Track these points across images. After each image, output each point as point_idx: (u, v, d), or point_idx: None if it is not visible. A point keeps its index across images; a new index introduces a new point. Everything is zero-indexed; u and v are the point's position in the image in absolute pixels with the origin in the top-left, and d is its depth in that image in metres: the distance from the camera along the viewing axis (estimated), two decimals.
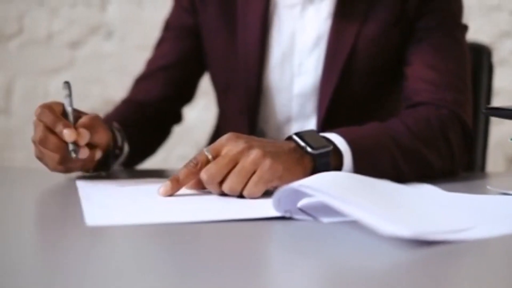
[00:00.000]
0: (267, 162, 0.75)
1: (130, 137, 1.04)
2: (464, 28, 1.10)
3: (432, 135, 0.97)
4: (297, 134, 0.82)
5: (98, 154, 0.89)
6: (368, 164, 0.87)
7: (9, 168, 1.54)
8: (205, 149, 0.77)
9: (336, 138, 0.86)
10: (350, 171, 0.86)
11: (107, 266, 0.52)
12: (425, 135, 0.96)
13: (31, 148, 0.90)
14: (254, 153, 0.75)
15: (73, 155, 0.84)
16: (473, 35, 1.40)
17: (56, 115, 0.84)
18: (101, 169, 0.95)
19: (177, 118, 1.23)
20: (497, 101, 1.67)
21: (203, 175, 0.75)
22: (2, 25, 2.00)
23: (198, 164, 0.76)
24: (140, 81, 1.18)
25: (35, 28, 2.00)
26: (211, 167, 0.75)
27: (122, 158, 1.02)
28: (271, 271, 0.53)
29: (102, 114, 2.09)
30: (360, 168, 0.86)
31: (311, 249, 0.57)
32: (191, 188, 0.78)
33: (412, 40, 1.07)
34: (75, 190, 0.82)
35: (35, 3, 1.99)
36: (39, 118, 0.84)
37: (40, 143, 0.85)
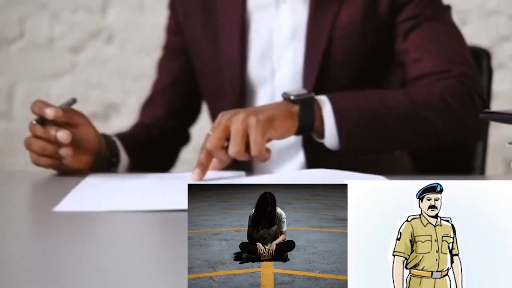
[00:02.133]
0: (253, 119, 0.87)
1: (134, 151, 1.12)
2: (448, 8, 1.13)
3: (431, 97, 1.01)
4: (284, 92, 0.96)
5: (87, 158, 0.98)
6: (350, 118, 0.95)
7: (10, 172, 1.54)
8: (208, 131, 0.89)
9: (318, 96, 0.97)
10: (332, 125, 0.95)
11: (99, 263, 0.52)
12: (422, 96, 1.00)
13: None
14: (241, 116, 0.88)
15: (34, 122, 0.93)
16: (472, 39, 1.41)
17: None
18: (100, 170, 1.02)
19: (184, 138, 1.28)
20: (495, 105, 1.67)
21: (208, 145, 0.88)
22: (4, 29, 2.00)
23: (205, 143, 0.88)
24: (145, 106, 1.26)
25: (36, 32, 2.00)
26: (211, 137, 0.88)
27: (123, 166, 1.09)
28: None
29: (103, 117, 2.09)
30: (341, 122, 0.94)
31: None
32: (217, 168, 0.91)
33: (401, 32, 1.10)
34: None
35: (36, 7, 2.00)
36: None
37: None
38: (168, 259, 0.56)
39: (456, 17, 1.16)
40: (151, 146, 1.20)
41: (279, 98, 1.16)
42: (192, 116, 1.27)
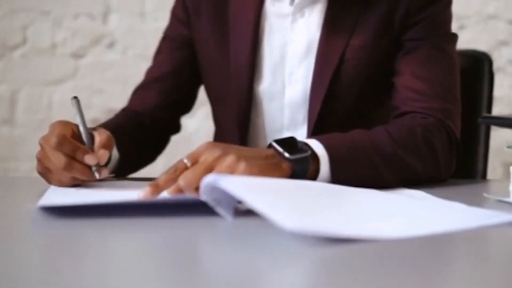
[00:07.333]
0: (241, 166, 0.77)
1: (123, 144, 1.04)
2: (453, 37, 1.11)
3: (414, 141, 0.97)
4: (276, 141, 0.84)
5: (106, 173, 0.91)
6: (346, 170, 0.88)
7: (13, 178, 1.54)
8: (184, 157, 0.79)
9: (314, 144, 0.87)
10: (327, 177, 0.87)
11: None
12: (406, 140, 0.96)
13: (35, 158, 0.92)
14: (229, 159, 0.77)
15: (97, 175, 0.87)
16: (470, 44, 1.42)
17: (74, 145, 0.87)
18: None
19: (175, 127, 1.24)
20: (494, 110, 1.68)
21: (181, 181, 0.76)
22: (6, 35, 2.01)
23: (177, 171, 0.77)
24: (138, 91, 1.21)
25: (38, 38, 2.01)
26: (187, 173, 0.76)
27: (112, 164, 1.00)
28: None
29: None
30: (337, 174, 0.87)
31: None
32: (171, 193, 0.78)
33: (401, 51, 1.08)
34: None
35: (39, 14, 2.01)
36: (59, 149, 0.86)
37: (65, 169, 0.87)
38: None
39: (455, 22, 1.16)
40: (141, 136, 1.14)
41: (287, 118, 1.13)
42: (187, 107, 1.23)
